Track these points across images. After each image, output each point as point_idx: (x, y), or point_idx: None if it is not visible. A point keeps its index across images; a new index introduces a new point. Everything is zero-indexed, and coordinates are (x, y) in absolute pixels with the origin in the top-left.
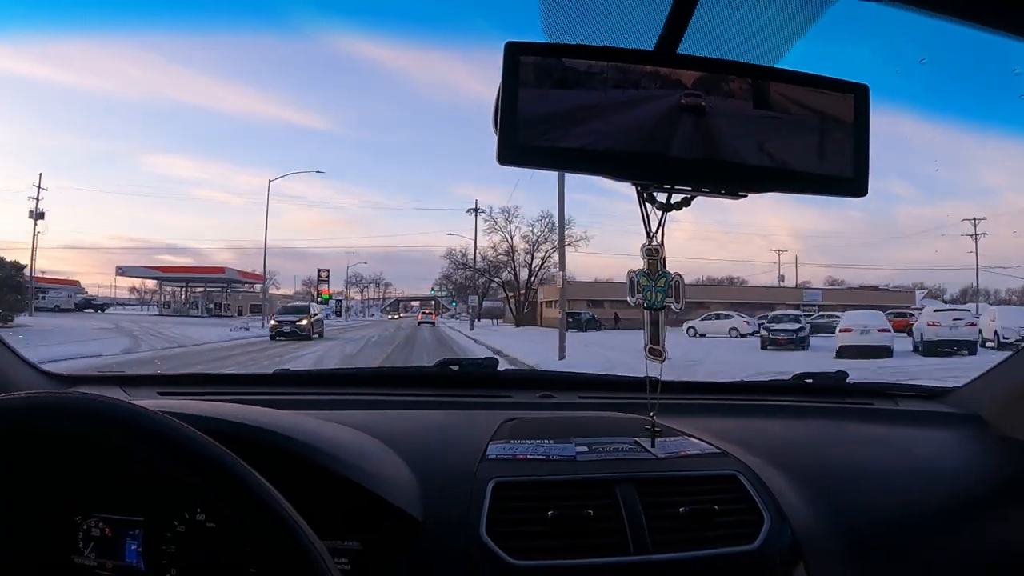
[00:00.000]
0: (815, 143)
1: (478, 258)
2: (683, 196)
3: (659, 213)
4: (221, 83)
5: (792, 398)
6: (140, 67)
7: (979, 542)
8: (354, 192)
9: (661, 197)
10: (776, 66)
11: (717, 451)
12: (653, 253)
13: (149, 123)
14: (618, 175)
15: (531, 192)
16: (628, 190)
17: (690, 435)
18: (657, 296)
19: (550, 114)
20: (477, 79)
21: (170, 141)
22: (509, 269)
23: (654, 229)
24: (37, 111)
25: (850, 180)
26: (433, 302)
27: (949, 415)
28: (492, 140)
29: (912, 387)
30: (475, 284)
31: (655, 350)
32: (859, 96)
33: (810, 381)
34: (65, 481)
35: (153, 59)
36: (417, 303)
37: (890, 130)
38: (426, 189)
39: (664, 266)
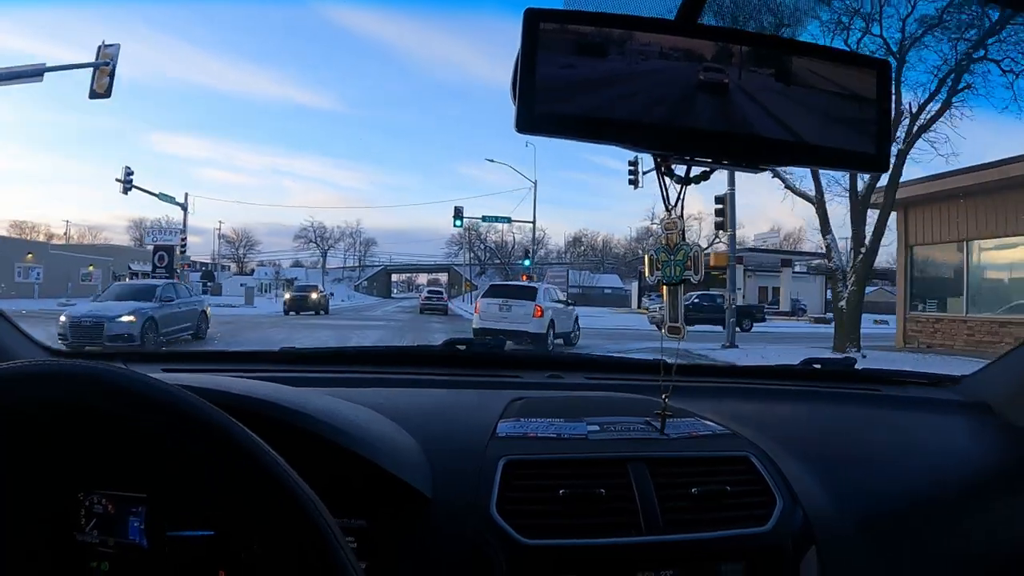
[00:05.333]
0: (838, 118)
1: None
2: (702, 169)
3: (678, 187)
4: (221, 59)
5: (800, 383)
6: (144, 43)
7: (987, 529)
8: (359, 171)
9: (679, 170)
10: (797, 39)
11: (729, 432)
12: (672, 226)
13: (151, 101)
14: (637, 145)
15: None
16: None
17: (701, 416)
18: (675, 270)
19: (569, 82)
20: (486, 57)
21: (175, 120)
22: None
23: (672, 202)
24: (37, 89)
25: (871, 155)
26: (446, 275)
27: (957, 403)
28: (499, 119)
29: (920, 374)
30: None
31: (674, 327)
32: (881, 71)
33: (818, 366)
34: (67, 455)
35: (158, 37)
36: (421, 278)
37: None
38: (432, 169)
39: (683, 238)
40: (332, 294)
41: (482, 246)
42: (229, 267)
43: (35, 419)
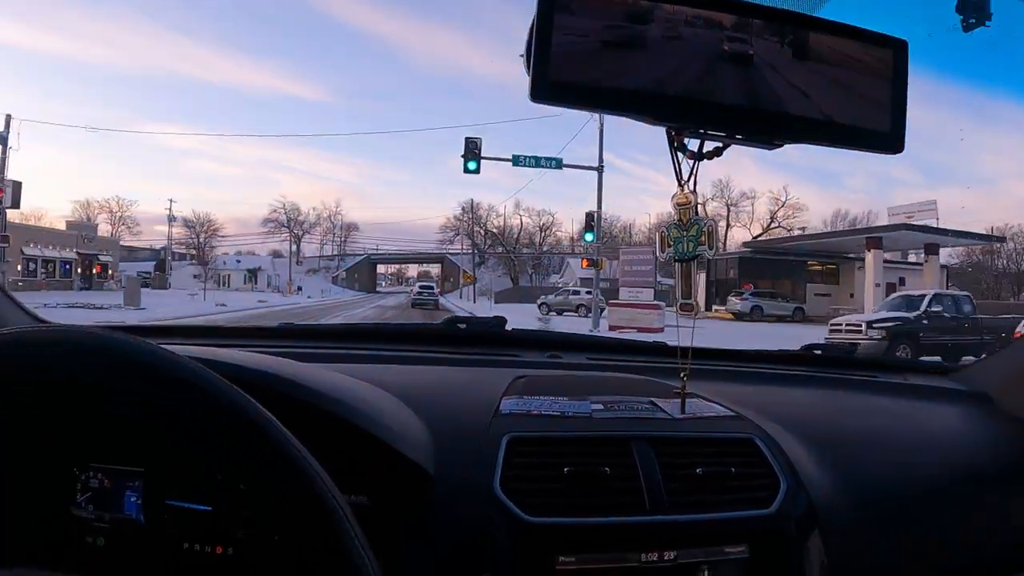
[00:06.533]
0: (853, 96)
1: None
2: (715, 145)
3: (691, 162)
4: (216, 52)
5: (802, 368)
6: (135, 34)
7: (985, 516)
8: (350, 163)
9: (692, 145)
10: (816, 15)
11: (733, 414)
12: (684, 203)
13: (139, 91)
14: (652, 117)
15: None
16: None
17: (706, 398)
18: (688, 246)
19: (584, 51)
20: (478, 49)
21: (164, 110)
22: None
23: (685, 178)
24: (26, 78)
25: (886, 135)
26: (440, 267)
27: (957, 391)
28: (493, 111)
29: (920, 362)
30: None
31: (686, 304)
32: (898, 51)
33: (819, 352)
34: (64, 428)
35: (148, 26)
36: (412, 271)
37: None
38: (424, 162)
39: (696, 214)
40: (300, 288)
41: (482, 232)
42: (186, 256)
43: (30, 388)
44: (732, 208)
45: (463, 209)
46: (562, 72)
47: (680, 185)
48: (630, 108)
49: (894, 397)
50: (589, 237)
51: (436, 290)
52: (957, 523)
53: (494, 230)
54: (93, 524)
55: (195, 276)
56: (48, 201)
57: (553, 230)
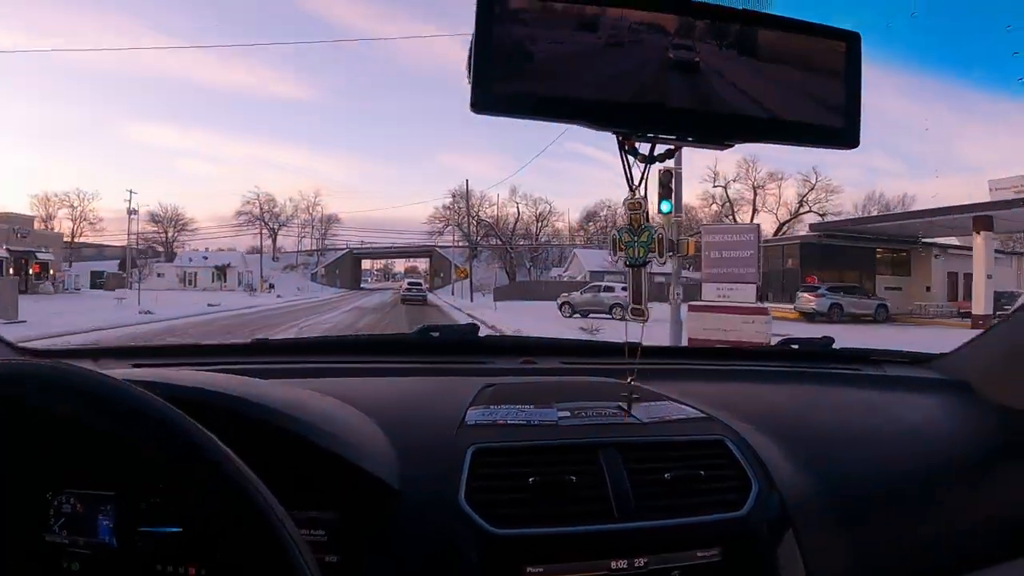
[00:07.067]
0: (805, 92)
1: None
2: (666, 147)
3: (642, 166)
4: (204, 51)
5: (778, 363)
6: (120, 33)
7: (967, 508)
8: (338, 161)
9: (643, 149)
10: (765, 11)
11: (703, 416)
12: (636, 207)
13: (126, 90)
14: (599, 124)
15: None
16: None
17: (675, 400)
18: (639, 251)
19: (527, 59)
20: (463, 47)
21: (153, 109)
22: None
23: (636, 182)
24: (14, 79)
25: (841, 131)
26: (428, 261)
27: (936, 381)
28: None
29: (899, 353)
30: None
31: (637, 310)
32: (851, 44)
33: (796, 347)
34: (33, 455)
35: (134, 25)
36: (400, 266)
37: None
38: (412, 159)
39: (647, 219)
40: (272, 286)
41: (475, 222)
42: (155, 252)
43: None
44: (759, 191)
45: (454, 196)
46: (502, 82)
47: (631, 189)
48: (575, 116)
49: (872, 390)
50: (666, 207)
51: (424, 286)
52: (939, 517)
53: (488, 220)
54: (68, 549)
55: (159, 275)
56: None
57: (551, 220)
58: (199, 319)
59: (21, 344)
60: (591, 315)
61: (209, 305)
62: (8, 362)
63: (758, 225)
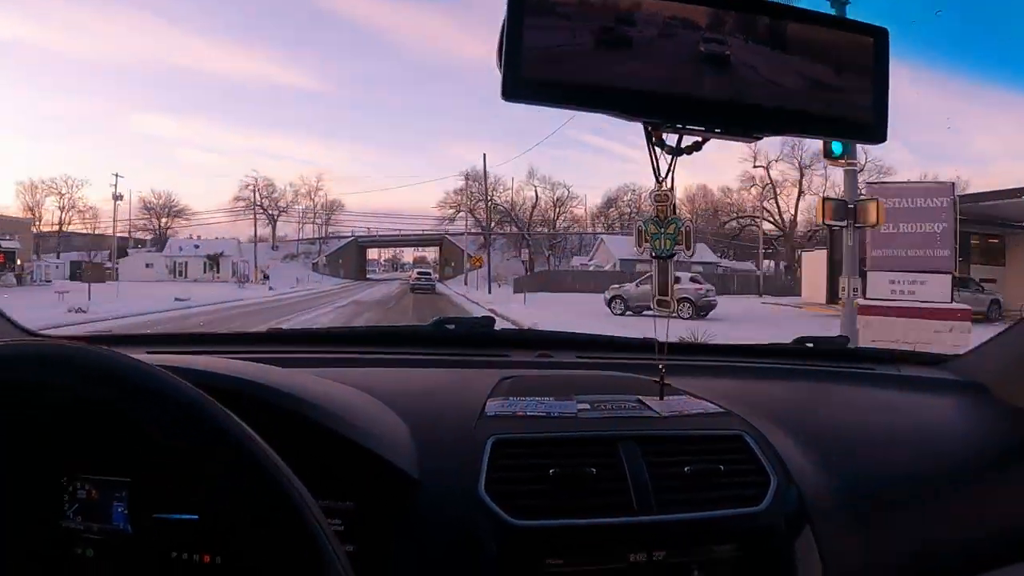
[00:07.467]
0: (833, 86)
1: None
2: (694, 140)
3: (668, 157)
4: (207, 40)
5: (794, 361)
6: (127, 25)
7: (981, 510)
8: (345, 151)
9: (671, 140)
10: (795, 5)
11: (722, 411)
12: (662, 199)
13: (129, 81)
14: (630, 114)
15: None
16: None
17: (694, 395)
18: (666, 244)
19: (557, 47)
20: (472, 36)
21: (157, 100)
22: None
23: (663, 174)
24: (16, 71)
25: (868, 126)
26: (438, 249)
27: (952, 382)
28: (488, 101)
29: (914, 353)
30: None
31: (663, 301)
32: (878, 39)
33: (811, 345)
34: (49, 440)
35: (141, 17)
36: (408, 256)
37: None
38: (419, 149)
39: (674, 212)
40: (267, 277)
41: (489, 206)
42: (140, 241)
43: (14, 402)
44: (805, 171)
45: (467, 178)
46: (533, 70)
47: (658, 181)
48: (605, 105)
49: (888, 390)
50: (838, 148)
51: (433, 276)
52: (953, 518)
53: (503, 205)
54: (82, 535)
55: (148, 265)
56: None
57: (570, 205)
58: (144, 319)
59: (27, 327)
60: (644, 312)
61: (176, 300)
62: (32, 343)
63: (952, 184)
